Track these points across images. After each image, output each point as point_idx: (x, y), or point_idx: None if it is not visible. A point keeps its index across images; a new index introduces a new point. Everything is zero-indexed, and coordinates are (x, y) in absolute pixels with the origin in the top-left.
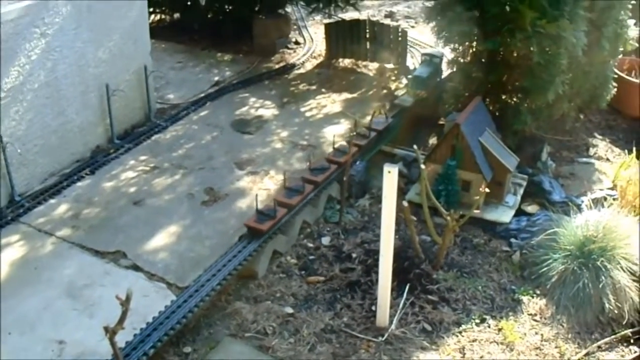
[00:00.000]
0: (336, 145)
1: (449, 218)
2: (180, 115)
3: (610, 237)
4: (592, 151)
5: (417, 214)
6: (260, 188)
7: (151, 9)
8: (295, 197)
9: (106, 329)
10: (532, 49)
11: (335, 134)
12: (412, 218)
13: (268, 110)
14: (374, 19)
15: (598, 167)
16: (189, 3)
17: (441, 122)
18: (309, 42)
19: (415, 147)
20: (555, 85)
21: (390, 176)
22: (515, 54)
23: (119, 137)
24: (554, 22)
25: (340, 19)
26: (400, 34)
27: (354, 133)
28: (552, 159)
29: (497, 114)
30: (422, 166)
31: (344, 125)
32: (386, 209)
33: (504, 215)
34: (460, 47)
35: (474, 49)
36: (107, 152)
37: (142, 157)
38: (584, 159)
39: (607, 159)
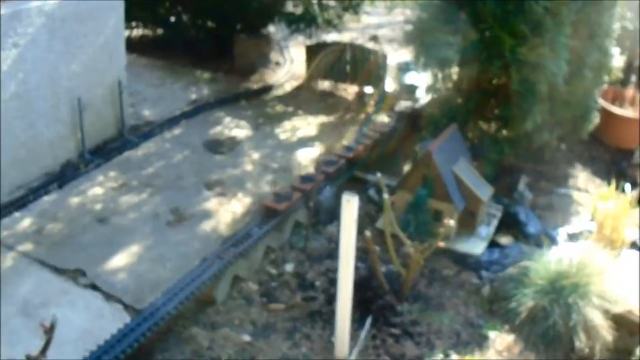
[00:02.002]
0: (305, 172)
1: (412, 249)
2: (153, 132)
3: (584, 272)
4: (571, 182)
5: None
6: (226, 210)
7: (134, 24)
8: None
9: (28, 357)
10: (510, 76)
11: (308, 158)
12: (374, 249)
13: (242, 131)
14: (358, 41)
15: (577, 198)
16: (172, 19)
17: (415, 149)
18: (289, 63)
19: (379, 175)
20: (534, 115)
21: (349, 205)
22: (493, 82)
23: (90, 152)
24: (535, 49)
25: (321, 42)
26: (380, 58)
27: (323, 159)
28: (529, 190)
29: (474, 142)
30: (385, 195)
31: (317, 149)
32: (345, 240)
33: (475, 246)
34: (439, 73)
35: (453, 75)
36: (77, 166)
37: (112, 174)
38: (563, 190)
39: (587, 191)
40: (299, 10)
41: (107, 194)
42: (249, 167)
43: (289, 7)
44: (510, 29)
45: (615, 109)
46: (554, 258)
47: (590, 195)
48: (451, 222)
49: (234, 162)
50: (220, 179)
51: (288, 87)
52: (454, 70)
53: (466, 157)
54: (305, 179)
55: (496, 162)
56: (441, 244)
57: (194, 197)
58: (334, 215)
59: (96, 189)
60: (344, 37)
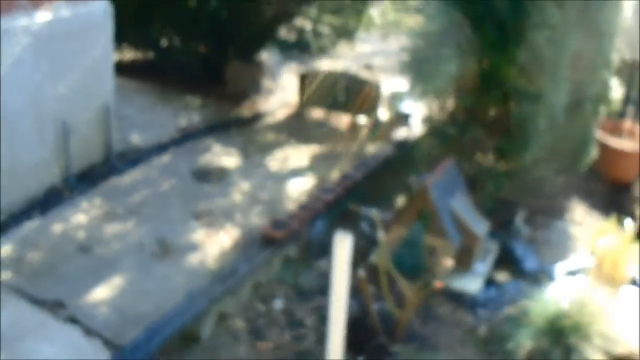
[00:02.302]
0: (296, 204)
1: (409, 291)
2: (141, 159)
3: (585, 312)
4: (568, 216)
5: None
6: (214, 243)
7: (125, 47)
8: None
9: None
10: (509, 108)
11: (299, 189)
12: (368, 288)
13: (232, 160)
14: (352, 70)
15: (575, 233)
16: (163, 43)
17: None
18: (282, 91)
19: (374, 212)
20: (533, 148)
21: (342, 245)
22: (491, 113)
23: (76, 177)
24: (535, 80)
25: (314, 70)
26: (374, 87)
27: (316, 190)
28: (526, 224)
29: (470, 174)
30: (380, 233)
31: (309, 180)
32: (337, 280)
33: (471, 284)
34: (435, 103)
35: (449, 106)
36: (61, 192)
37: (97, 201)
38: (560, 224)
39: (585, 224)
40: (292, 37)
41: (91, 222)
42: (238, 198)
43: (282, 34)
44: (509, 59)
45: (613, 142)
46: (553, 297)
47: (588, 229)
48: (448, 262)
49: (223, 192)
50: (209, 209)
51: (280, 114)
52: (451, 101)
53: (463, 191)
54: (303, 207)
55: (493, 196)
56: (439, 284)
57: (180, 227)
58: (325, 249)
59: (80, 216)
60: (338, 65)
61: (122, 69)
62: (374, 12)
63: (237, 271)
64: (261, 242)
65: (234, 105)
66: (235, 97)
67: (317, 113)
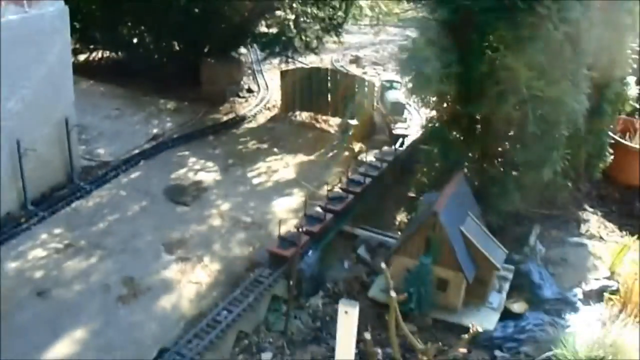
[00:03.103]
0: (284, 226)
1: (424, 357)
2: (108, 176)
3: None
4: (583, 228)
5: (382, 315)
6: (190, 281)
7: (92, 46)
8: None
9: None
10: (526, 115)
11: (286, 209)
12: (374, 352)
13: (209, 175)
14: (338, 64)
15: (591, 249)
16: (134, 40)
17: (412, 195)
18: (263, 91)
19: (383, 266)
20: (553, 161)
21: (348, 318)
22: (505, 121)
23: (34, 203)
24: (554, 83)
25: (299, 67)
26: (367, 86)
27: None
28: (540, 241)
29: (478, 187)
30: (393, 294)
31: (296, 198)
32: (341, 352)
33: (486, 320)
34: (438, 109)
35: (454, 112)
36: (18, 220)
37: (57, 230)
38: (576, 239)
39: (601, 237)
40: (274, 31)
41: (50, 257)
42: (216, 222)
43: (262, 28)
44: (525, 60)
45: (629, 144)
46: (583, 341)
47: (605, 242)
48: (477, 328)
49: (199, 215)
50: (183, 238)
51: (262, 118)
52: (457, 106)
53: (474, 210)
54: (312, 219)
55: (504, 212)
56: (463, 350)
57: (151, 262)
58: (318, 284)
59: (38, 250)
60: (324, 58)
61: (90, 72)
62: (364, 2)
63: (217, 322)
64: (269, 261)
65: (211, 109)
66: (212, 99)
67: (302, 115)
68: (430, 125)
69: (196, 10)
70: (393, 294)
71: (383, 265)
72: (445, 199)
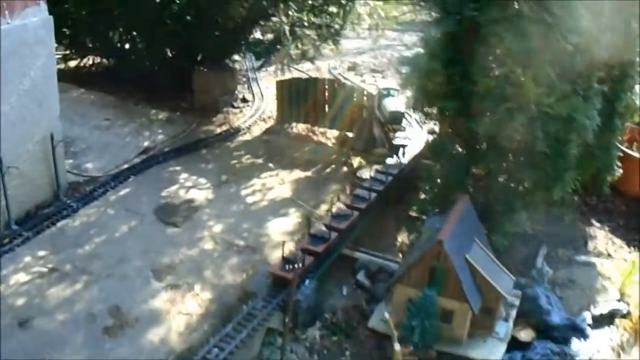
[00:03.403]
0: (279, 250)
1: None
2: (96, 193)
3: None
4: (591, 245)
5: (384, 347)
6: (179, 311)
7: (84, 52)
8: None
9: None
10: (535, 134)
11: (281, 231)
12: None
13: (201, 192)
14: (335, 71)
15: (600, 268)
16: (126, 47)
17: (413, 215)
18: (259, 100)
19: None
20: (564, 183)
21: None
22: (512, 139)
23: (18, 222)
24: (565, 99)
25: (295, 77)
26: (365, 96)
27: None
28: (546, 261)
29: (483, 205)
30: (397, 347)
31: (292, 218)
32: None
33: (493, 351)
34: (441, 124)
35: (458, 128)
36: (1, 242)
37: (41, 252)
38: (583, 257)
39: (609, 254)
40: (269, 38)
41: (33, 282)
42: (208, 245)
43: (257, 35)
44: (534, 74)
45: (636, 155)
46: None
47: (612, 260)
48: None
49: (190, 237)
50: (173, 264)
51: (257, 130)
52: (461, 123)
53: (481, 236)
54: (315, 238)
55: (511, 234)
56: None
57: (139, 290)
58: (315, 314)
59: (20, 275)
60: (321, 66)
61: (80, 79)
62: (362, 8)
63: (207, 358)
64: (271, 284)
65: (205, 119)
66: (205, 109)
67: (299, 127)
68: (432, 140)
69: (188, 17)
70: (397, 347)
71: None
72: (451, 226)
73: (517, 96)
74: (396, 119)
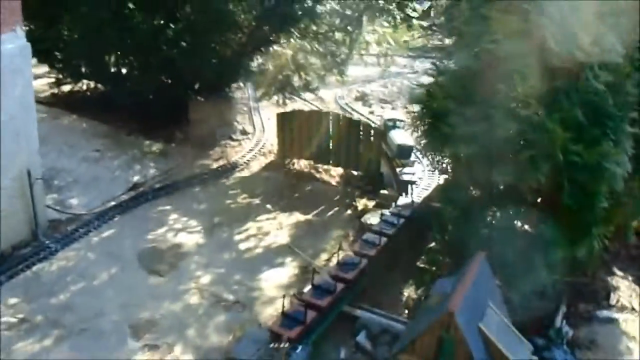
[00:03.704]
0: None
1: None
2: (77, 233)
3: None
4: (613, 298)
5: None
6: None
7: (76, 77)
8: None
9: None
10: (561, 185)
11: (275, 285)
12: None
13: (191, 236)
14: (342, 101)
15: (622, 325)
16: (121, 72)
17: (421, 266)
18: (259, 132)
19: None
20: (591, 239)
21: None
22: (534, 189)
23: None
24: (594, 145)
25: (297, 110)
26: (372, 134)
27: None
28: (567, 318)
29: (497, 256)
30: None
31: (289, 269)
32: None
33: None
34: (455, 170)
35: (475, 175)
36: None
37: (13, 300)
38: (605, 313)
39: (633, 308)
40: (269, 68)
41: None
42: (194, 299)
43: (257, 64)
44: (561, 116)
45: None
46: None
47: (637, 315)
48: None
49: (174, 288)
50: (153, 319)
51: (255, 166)
52: (482, 171)
53: (496, 296)
54: (320, 290)
55: (529, 292)
56: None
57: (114, 349)
58: None
59: None
60: (326, 96)
61: (73, 104)
62: (370, 35)
63: None
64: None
65: (201, 153)
66: (202, 142)
67: (301, 163)
68: (444, 183)
69: (184, 43)
70: None
71: None
72: (463, 292)
73: (541, 142)
74: (404, 153)
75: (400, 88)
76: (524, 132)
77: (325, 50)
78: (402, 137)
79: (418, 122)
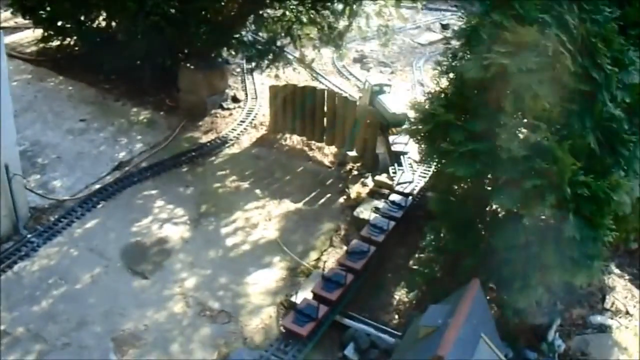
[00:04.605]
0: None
1: None
2: (59, 225)
3: None
4: (608, 300)
5: None
6: None
7: (61, 34)
8: None
9: None
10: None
11: (262, 289)
12: None
13: (177, 229)
14: (340, 64)
15: (616, 333)
16: (107, 36)
17: (414, 267)
18: (251, 101)
19: None
20: (594, 270)
21: None
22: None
23: None
24: (605, 175)
25: (290, 83)
26: (369, 113)
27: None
28: (560, 324)
29: (491, 272)
30: None
31: (276, 270)
32: None
33: None
34: (452, 186)
35: (474, 193)
36: None
37: None
38: (599, 319)
39: (627, 312)
40: (262, 35)
41: None
42: (178, 307)
43: (249, 33)
44: (572, 144)
45: None
46: None
47: (630, 319)
48: None
49: (159, 293)
50: (137, 332)
51: (246, 140)
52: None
53: (489, 327)
54: (329, 283)
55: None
56: None
57: None
58: None
59: None
60: (324, 55)
61: (60, 64)
62: (370, 7)
63: None
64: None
65: (189, 123)
66: (191, 111)
67: (294, 139)
68: (438, 197)
69: (172, 10)
70: None
71: None
72: (455, 332)
73: (548, 172)
74: (399, 122)
75: (401, 47)
76: (530, 158)
77: (323, 20)
78: (394, 103)
79: (416, 133)
